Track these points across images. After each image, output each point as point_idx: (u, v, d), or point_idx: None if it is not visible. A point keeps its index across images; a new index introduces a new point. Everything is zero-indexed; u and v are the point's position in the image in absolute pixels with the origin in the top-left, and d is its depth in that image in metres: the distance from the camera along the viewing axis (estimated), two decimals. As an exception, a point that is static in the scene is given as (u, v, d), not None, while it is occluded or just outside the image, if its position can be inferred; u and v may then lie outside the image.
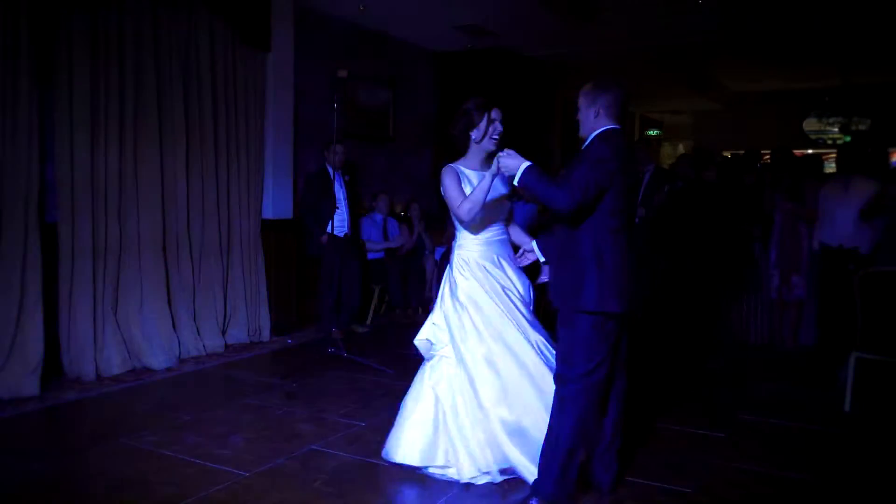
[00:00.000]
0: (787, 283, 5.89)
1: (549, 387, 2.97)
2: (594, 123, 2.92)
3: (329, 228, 5.76)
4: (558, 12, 6.67)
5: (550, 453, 2.85)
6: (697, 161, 6.21)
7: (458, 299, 3.22)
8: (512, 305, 3.20)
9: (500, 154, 2.95)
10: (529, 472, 2.98)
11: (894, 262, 5.05)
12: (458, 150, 3.32)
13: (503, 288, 3.21)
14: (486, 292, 3.20)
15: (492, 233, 3.28)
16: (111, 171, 4.78)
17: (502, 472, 3.10)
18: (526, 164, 2.85)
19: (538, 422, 3.00)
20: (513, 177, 2.91)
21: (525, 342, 3.13)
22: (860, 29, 7.36)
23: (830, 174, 6.86)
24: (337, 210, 5.85)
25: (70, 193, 4.56)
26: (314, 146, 6.53)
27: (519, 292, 3.25)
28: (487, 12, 6.79)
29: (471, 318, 3.17)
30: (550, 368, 3.05)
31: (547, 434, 2.86)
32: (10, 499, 2.98)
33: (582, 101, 2.95)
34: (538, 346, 3.14)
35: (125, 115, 4.83)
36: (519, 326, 3.15)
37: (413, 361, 3.40)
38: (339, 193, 5.97)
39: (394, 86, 7.85)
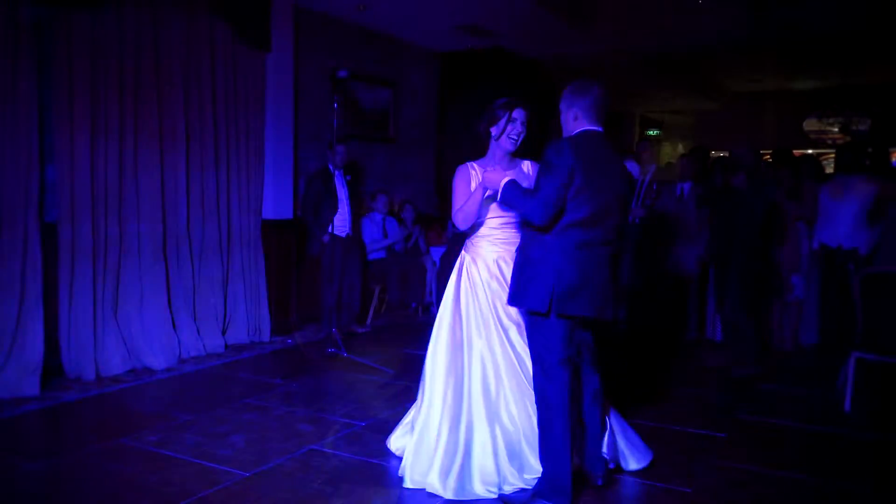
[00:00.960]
0: (787, 283, 5.89)
1: (474, 408, 3.09)
2: (574, 126, 2.92)
3: (330, 228, 5.76)
4: (557, 13, 6.67)
5: (540, 453, 2.88)
6: (724, 164, 6.08)
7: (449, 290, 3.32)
8: (489, 315, 3.17)
9: (487, 168, 3.02)
10: (408, 465, 3.13)
11: (894, 262, 5.06)
12: (484, 149, 3.32)
13: (491, 294, 3.18)
14: (463, 292, 3.21)
15: (498, 232, 3.25)
16: (111, 171, 4.78)
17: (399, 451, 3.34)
18: (506, 179, 2.88)
19: (444, 430, 3.10)
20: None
21: (465, 356, 3.15)
22: (860, 29, 7.36)
23: (830, 174, 6.87)
24: (338, 210, 5.85)
25: (70, 193, 4.56)
26: (314, 146, 6.53)
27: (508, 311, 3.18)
28: (487, 12, 6.79)
29: (443, 311, 3.24)
30: (486, 390, 3.12)
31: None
32: (10, 499, 2.98)
33: (561, 105, 2.96)
34: (490, 364, 3.14)
35: (125, 115, 4.84)
36: (472, 339, 3.16)
37: (413, 361, 3.40)
38: (341, 193, 5.97)
39: (394, 86, 7.85)
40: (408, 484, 3.10)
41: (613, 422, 3.22)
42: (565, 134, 2.95)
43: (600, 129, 2.90)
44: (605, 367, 3.16)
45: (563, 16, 6.78)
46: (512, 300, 2.93)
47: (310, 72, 6.55)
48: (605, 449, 3.11)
